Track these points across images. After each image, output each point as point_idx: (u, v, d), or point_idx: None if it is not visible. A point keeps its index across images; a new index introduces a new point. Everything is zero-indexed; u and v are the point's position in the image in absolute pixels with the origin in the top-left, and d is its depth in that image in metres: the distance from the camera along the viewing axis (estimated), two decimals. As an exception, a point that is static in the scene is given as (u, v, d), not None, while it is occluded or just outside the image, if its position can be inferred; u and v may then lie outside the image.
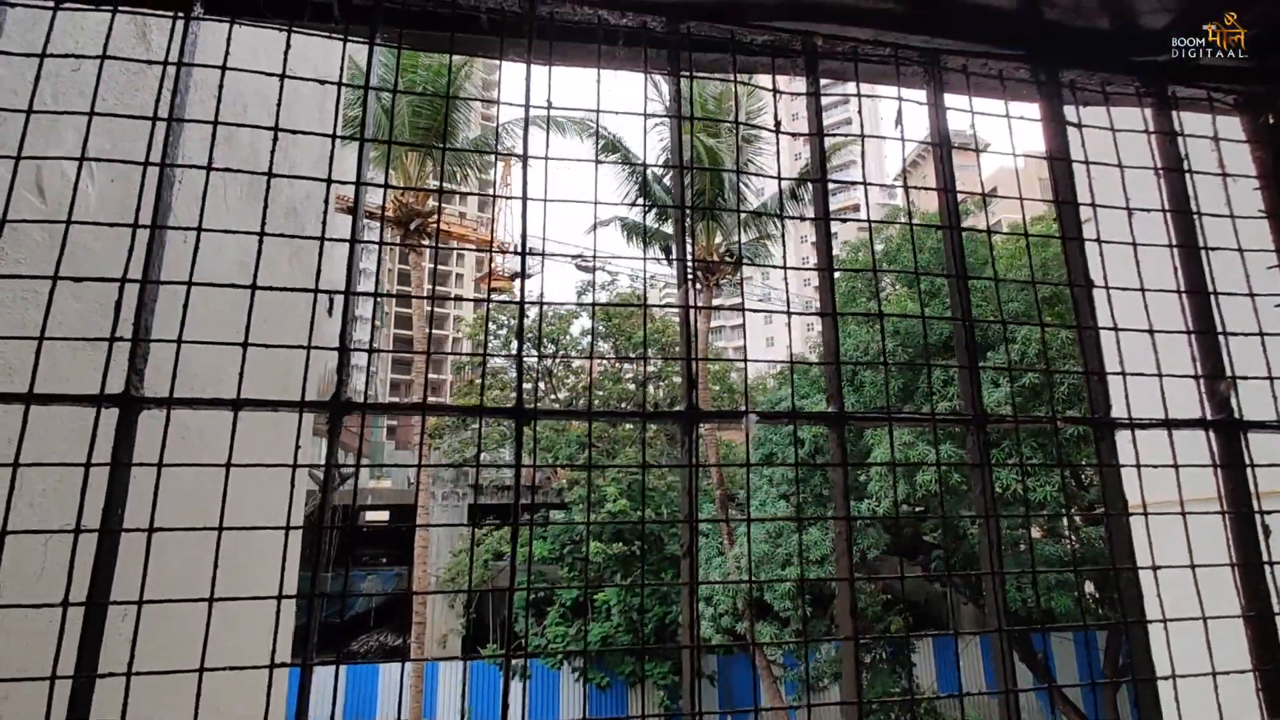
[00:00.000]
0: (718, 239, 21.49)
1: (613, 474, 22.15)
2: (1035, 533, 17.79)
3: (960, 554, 17.55)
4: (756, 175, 1.87)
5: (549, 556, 23.12)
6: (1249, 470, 1.68)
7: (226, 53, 1.40)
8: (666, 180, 20.80)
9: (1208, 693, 1.53)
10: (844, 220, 1.62)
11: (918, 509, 17.44)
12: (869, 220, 1.60)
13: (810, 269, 1.59)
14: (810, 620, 20.00)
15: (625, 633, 20.78)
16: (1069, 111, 2.00)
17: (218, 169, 1.30)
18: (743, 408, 1.60)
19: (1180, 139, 2.03)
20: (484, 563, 22.76)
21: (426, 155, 19.31)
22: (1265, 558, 1.62)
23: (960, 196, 1.87)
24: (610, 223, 21.56)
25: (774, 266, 1.74)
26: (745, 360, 1.44)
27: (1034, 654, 19.21)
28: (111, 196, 2.17)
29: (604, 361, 26.13)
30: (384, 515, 31.52)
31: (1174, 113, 1.99)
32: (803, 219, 1.49)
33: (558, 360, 25.65)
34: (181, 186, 1.34)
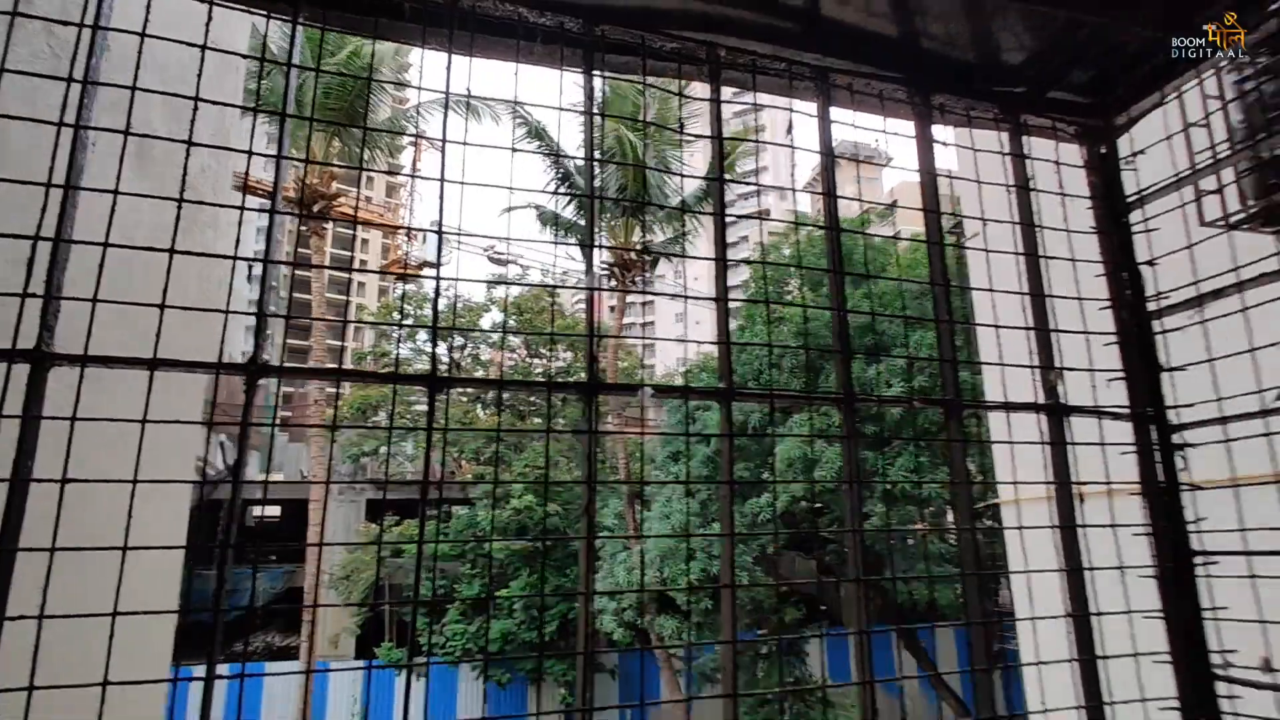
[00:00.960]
0: (636, 235, 21.72)
1: (518, 469, 22.02)
2: (922, 527, 18.99)
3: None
4: (662, 172, 2.01)
5: (450, 553, 22.69)
6: (1069, 448, 1.97)
7: (146, 20, 1.41)
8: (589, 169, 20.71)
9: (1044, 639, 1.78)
10: (739, 218, 1.78)
11: (816, 505, 18.25)
12: (760, 217, 1.77)
13: (703, 258, 1.75)
14: (711, 613, 20.50)
15: (528, 630, 20.70)
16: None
17: (135, 134, 1.32)
18: (651, 396, 1.74)
19: (1029, 161, 2.32)
20: (382, 560, 22.10)
21: (334, 136, 18.57)
22: (1079, 521, 1.91)
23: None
24: (525, 208, 21.33)
25: (670, 255, 1.89)
26: (643, 338, 1.58)
27: (918, 645, 20.55)
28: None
29: (514, 356, 25.94)
30: (275, 510, 30.07)
31: (1025, 138, 2.28)
32: (700, 213, 1.64)
33: (465, 353, 25.24)
34: (95, 148, 1.35)
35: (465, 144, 1.65)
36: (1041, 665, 1.74)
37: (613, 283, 19.30)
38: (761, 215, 1.79)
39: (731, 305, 1.89)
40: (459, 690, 22.29)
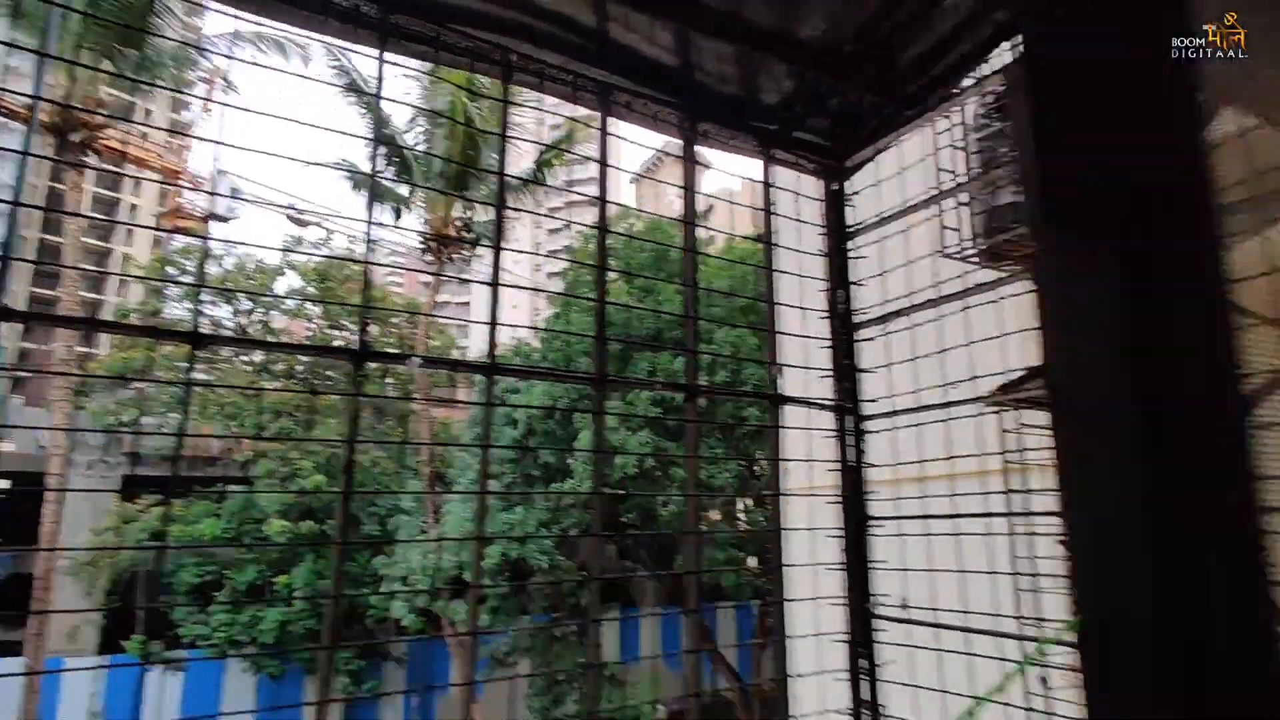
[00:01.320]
0: (456, 211, 21.05)
1: (309, 448, 20.65)
2: (715, 515, 20.47)
3: (651, 533, 19.53)
4: (441, 159, 2.14)
5: (223, 536, 20.73)
6: (780, 430, 2.40)
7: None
8: (412, 136, 19.46)
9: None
10: (519, 210, 1.97)
11: (618, 491, 18.90)
12: (544, 214, 1.97)
13: (494, 247, 1.92)
14: (509, 597, 20.58)
15: (309, 617, 19.55)
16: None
17: None
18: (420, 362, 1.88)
19: (773, 188, 2.75)
20: (136, 543, 19.70)
21: (102, 54, 16.02)
22: (782, 490, 2.34)
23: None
24: (337, 166, 19.85)
25: (463, 240, 2.04)
26: (426, 314, 1.72)
27: (704, 627, 22.24)
28: None
29: (312, 326, 24.23)
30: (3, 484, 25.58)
31: (774, 168, 2.69)
32: (486, 204, 1.81)
33: (254, 318, 23.10)
34: None
35: (258, 113, 1.68)
36: (743, 609, 2.12)
37: (428, 257, 18.62)
38: (549, 213, 1.99)
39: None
40: (225, 685, 20.48)
